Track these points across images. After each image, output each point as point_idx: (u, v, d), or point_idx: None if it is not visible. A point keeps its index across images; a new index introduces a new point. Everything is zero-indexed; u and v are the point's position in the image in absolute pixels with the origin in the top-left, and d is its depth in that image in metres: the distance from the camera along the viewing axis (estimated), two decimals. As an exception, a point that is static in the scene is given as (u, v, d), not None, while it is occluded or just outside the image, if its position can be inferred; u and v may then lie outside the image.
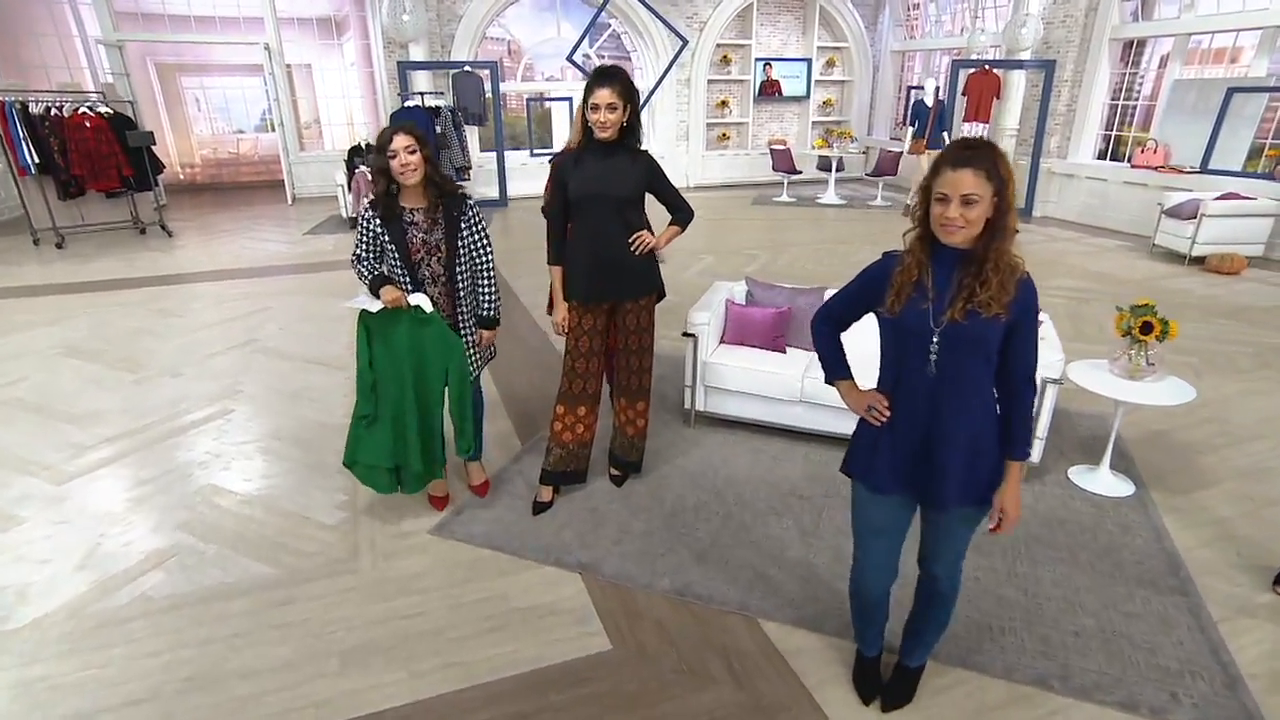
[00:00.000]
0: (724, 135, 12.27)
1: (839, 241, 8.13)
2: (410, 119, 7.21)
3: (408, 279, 2.68)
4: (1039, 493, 3.11)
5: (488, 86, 9.65)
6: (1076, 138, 8.94)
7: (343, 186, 8.70)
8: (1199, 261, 6.82)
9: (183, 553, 2.73)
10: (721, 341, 3.71)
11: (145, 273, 6.83)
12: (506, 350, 4.44)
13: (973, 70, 8.91)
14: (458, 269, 2.74)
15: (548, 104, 11.94)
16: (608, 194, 2.70)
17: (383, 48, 9.89)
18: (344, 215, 8.89)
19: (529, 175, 10.92)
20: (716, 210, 9.94)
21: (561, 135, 11.68)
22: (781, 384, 3.42)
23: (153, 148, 8.51)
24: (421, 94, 7.55)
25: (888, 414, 1.73)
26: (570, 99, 11.42)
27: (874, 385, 1.81)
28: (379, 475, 2.81)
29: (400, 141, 2.50)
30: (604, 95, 2.54)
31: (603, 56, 12.06)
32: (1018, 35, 8.48)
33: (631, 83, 2.62)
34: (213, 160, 14.49)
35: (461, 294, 2.79)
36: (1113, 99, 8.88)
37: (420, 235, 2.65)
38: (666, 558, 2.71)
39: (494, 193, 10.16)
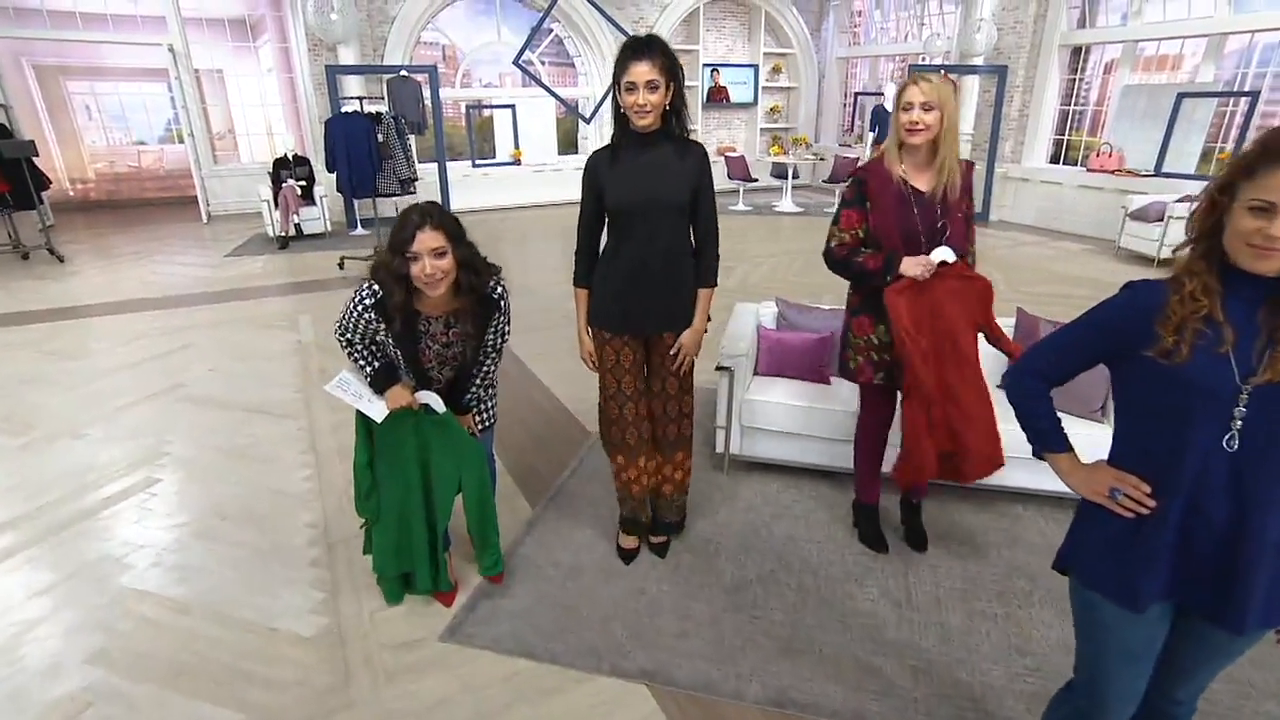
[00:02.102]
0: (673, 143, 11.88)
1: (813, 250, 7.80)
2: (348, 125, 6.45)
3: (410, 377, 2.14)
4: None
5: (426, 93, 8.91)
6: (1030, 142, 9.00)
7: (268, 202, 7.78)
8: (1167, 263, 6.82)
9: (100, 699, 2.01)
10: (755, 373, 3.22)
11: (30, 305, 5.80)
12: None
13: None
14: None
15: (487, 112, 11.24)
16: (656, 199, 2.16)
17: (306, 50, 9.01)
18: (270, 234, 7.96)
19: (471, 187, 10.23)
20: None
21: (505, 145, 11.01)
22: (834, 422, 2.95)
23: (34, 159, 7.38)
24: (360, 99, 6.80)
25: (1151, 503, 1.25)
26: (514, 105, 10.80)
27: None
28: (386, 584, 2.31)
29: (427, 241, 1.88)
30: (642, 71, 2.00)
31: (544, 62, 11.50)
32: (973, 40, 8.45)
33: (673, 53, 2.08)
34: (109, 175, 12.99)
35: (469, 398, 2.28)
36: (1062, 104, 8.98)
37: (436, 347, 2.08)
38: (746, 652, 2.18)
39: (436, 206, 9.38)
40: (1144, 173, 7.80)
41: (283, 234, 7.78)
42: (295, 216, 7.84)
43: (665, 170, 2.15)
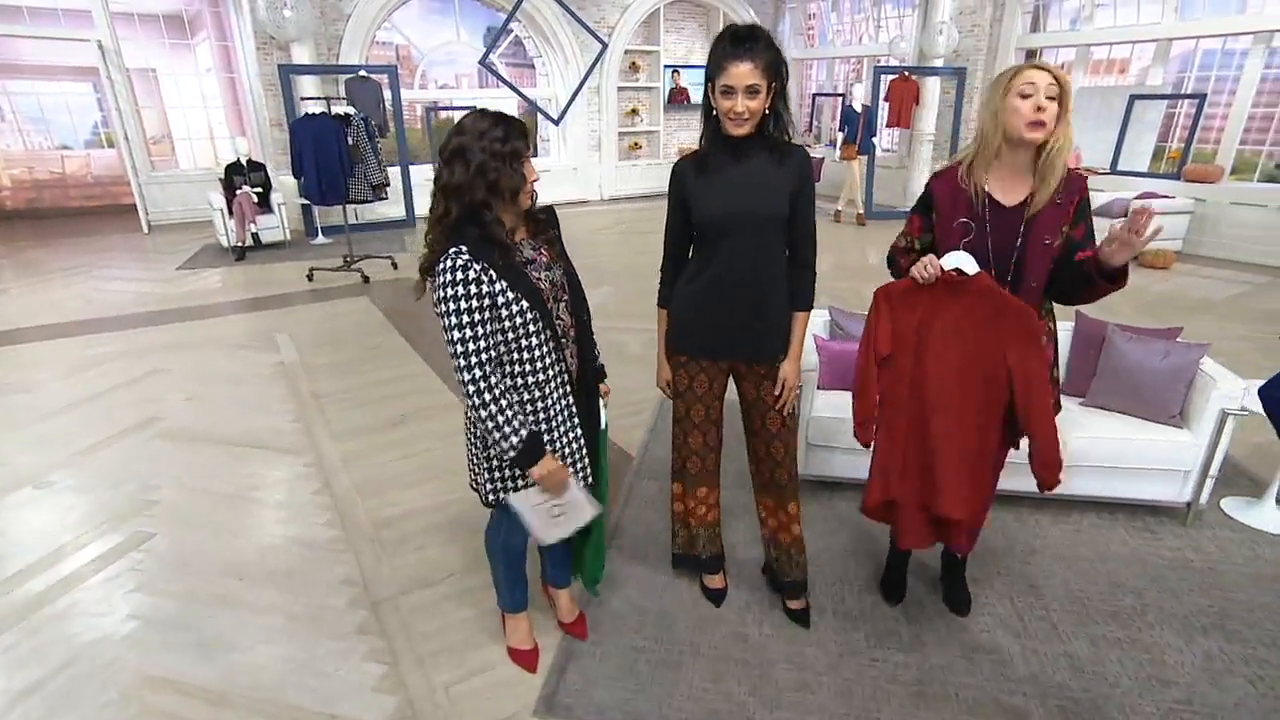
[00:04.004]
0: (635, 144, 11.62)
1: (791, 252, 7.69)
2: (316, 127, 5.92)
3: (549, 346, 1.69)
4: (1223, 541, 2.66)
5: (387, 94, 8.36)
6: (990, 143, 9.12)
7: (221, 211, 7.10)
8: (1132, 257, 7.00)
9: (139, 831, 1.60)
10: (817, 387, 2.99)
11: (-42, 332, 5.06)
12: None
13: (893, 77, 8.85)
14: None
15: (445, 113, 10.69)
16: (751, 213, 1.86)
17: (254, 49, 8.31)
18: (224, 244, 7.28)
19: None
20: (649, 223, 9.26)
21: (465, 147, 10.47)
22: (909, 435, 2.75)
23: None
24: (327, 100, 6.24)
25: None
26: (474, 107, 10.30)
27: None
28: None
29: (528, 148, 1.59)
30: (742, 73, 1.68)
31: (503, 62, 11.03)
32: (935, 42, 8.50)
33: (778, 48, 1.75)
34: (28, 182, 11.74)
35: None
36: (1017, 106, 9.15)
37: (544, 273, 1.70)
38: (879, 703, 1.94)
39: (400, 212, 8.86)
40: (1100, 170, 8.00)
41: (239, 244, 7.12)
42: (252, 225, 7.19)
43: (761, 179, 1.85)
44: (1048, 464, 1.87)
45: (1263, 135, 7.59)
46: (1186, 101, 7.67)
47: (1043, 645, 2.15)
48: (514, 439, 1.59)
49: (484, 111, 1.58)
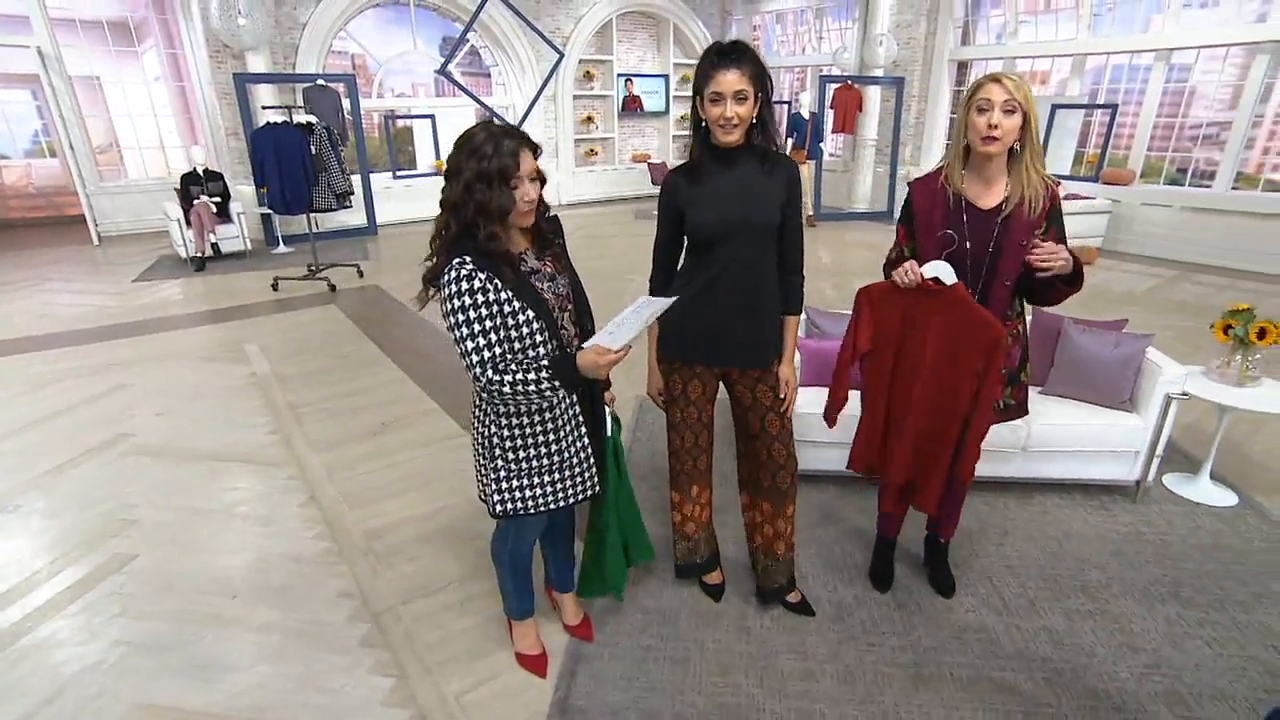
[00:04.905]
0: (591, 151, 11.54)
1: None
2: (278, 136, 5.66)
3: (553, 344, 1.64)
4: (1169, 514, 2.78)
5: (345, 103, 8.07)
6: (927, 147, 9.41)
7: (179, 221, 6.73)
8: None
9: None
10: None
11: (-102, 351, 4.64)
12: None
13: (837, 85, 9.02)
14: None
15: (403, 122, 10.40)
16: (745, 220, 1.85)
17: (206, 57, 7.90)
18: (182, 255, 6.88)
19: (393, 199, 9.42)
20: (609, 225, 9.21)
21: (425, 155, 10.22)
22: (886, 427, 2.79)
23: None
24: (288, 109, 5.96)
25: None
26: (433, 115, 10.05)
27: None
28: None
29: (529, 164, 1.51)
30: (730, 81, 1.69)
31: (459, 70, 10.78)
32: (875, 53, 8.70)
33: (760, 60, 1.77)
34: (-39, 193, 10.92)
35: None
36: (953, 113, 9.45)
37: (548, 284, 1.65)
38: (881, 687, 1.95)
39: (362, 219, 8.58)
40: (1028, 174, 8.32)
41: (199, 254, 6.76)
42: (211, 235, 6.83)
43: (752, 188, 1.84)
44: (968, 459, 2.01)
45: (1165, 142, 8.00)
46: (1101, 111, 8.04)
47: (1024, 621, 2.21)
48: (544, 381, 1.52)
49: (486, 124, 1.52)
